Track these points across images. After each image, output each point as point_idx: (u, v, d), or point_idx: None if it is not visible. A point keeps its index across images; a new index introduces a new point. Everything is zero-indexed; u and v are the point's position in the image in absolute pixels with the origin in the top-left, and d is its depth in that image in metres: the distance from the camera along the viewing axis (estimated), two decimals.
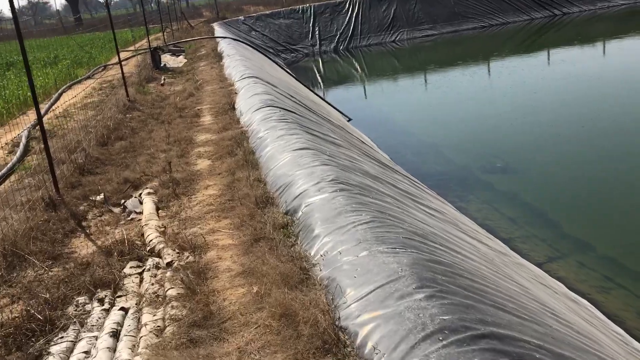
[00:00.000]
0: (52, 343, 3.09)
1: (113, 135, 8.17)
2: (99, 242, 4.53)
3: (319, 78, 23.54)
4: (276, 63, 19.65)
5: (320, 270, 3.37)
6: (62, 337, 3.10)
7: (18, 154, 7.33)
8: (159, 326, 3.08)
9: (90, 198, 5.56)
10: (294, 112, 8.25)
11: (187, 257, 3.94)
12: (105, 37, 25.86)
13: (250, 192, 4.96)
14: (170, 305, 3.27)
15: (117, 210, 5.30)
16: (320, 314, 2.80)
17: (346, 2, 30.34)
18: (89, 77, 15.48)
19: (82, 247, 4.48)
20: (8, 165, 6.73)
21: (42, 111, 10.19)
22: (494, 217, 8.36)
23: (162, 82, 13.88)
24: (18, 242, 4.28)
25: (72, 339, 3.11)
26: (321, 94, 17.75)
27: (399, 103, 17.29)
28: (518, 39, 26.61)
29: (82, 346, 3.05)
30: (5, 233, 4.40)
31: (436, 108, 15.59)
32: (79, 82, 14.53)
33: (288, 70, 18.81)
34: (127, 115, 9.75)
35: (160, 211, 5.15)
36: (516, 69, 19.43)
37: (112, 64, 17.12)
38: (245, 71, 12.00)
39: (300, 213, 4.28)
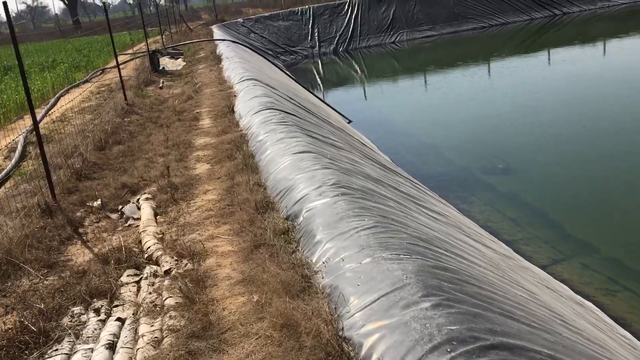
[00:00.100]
0: (46, 356, 2.99)
1: (111, 140, 8.07)
2: (96, 250, 4.43)
3: (318, 80, 23.46)
4: (275, 65, 19.58)
5: (323, 277, 3.28)
6: (56, 350, 3.00)
7: (14, 159, 7.23)
8: (156, 337, 2.98)
9: (87, 204, 5.46)
10: (294, 115, 8.16)
11: (186, 264, 3.84)
12: (104, 41, 25.80)
13: (250, 196, 4.86)
14: (168, 315, 3.17)
15: (114, 216, 5.20)
16: (323, 324, 2.71)
17: (345, 4, 30.28)
18: (86, 81, 15.40)
19: (79, 255, 4.38)
20: (4, 171, 6.63)
21: (40, 116, 10.13)
22: (496, 219, 8.28)
23: (161, 85, 13.79)
24: (13, 250, 4.18)
25: (67, 352, 3.01)
26: (321, 96, 17.67)
27: (399, 104, 17.21)
28: (518, 39, 26.54)
29: (77, 359, 2.95)
30: (0, 241, 4.31)
31: (436, 109, 15.51)
32: (77, 86, 14.45)
33: (287, 72, 18.74)
34: (125, 119, 9.66)
35: (158, 217, 5.06)
36: (516, 69, 19.36)
37: (110, 68, 17.04)
38: (245, 73, 11.91)
39: (301, 218, 4.19)
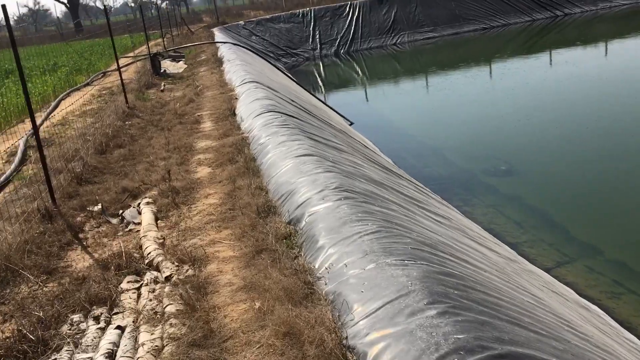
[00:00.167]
0: None
1: (112, 143, 8.03)
2: (96, 255, 4.38)
3: (320, 82, 23.42)
4: (277, 67, 19.54)
5: (326, 284, 3.22)
6: (54, 359, 2.95)
7: (15, 163, 7.19)
8: (156, 346, 2.93)
9: (88, 208, 5.41)
10: (296, 117, 8.11)
11: (187, 270, 3.78)
12: (105, 44, 25.76)
13: (251, 200, 4.81)
14: (169, 322, 3.11)
15: (115, 221, 5.15)
16: (326, 332, 2.65)
17: (346, 6, 30.24)
18: (88, 84, 15.37)
19: (79, 261, 4.33)
20: (4, 175, 6.59)
21: (40, 119, 10.08)
22: (499, 221, 8.23)
23: (162, 88, 13.76)
24: (12, 256, 4.13)
25: None
26: (322, 98, 17.63)
27: (400, 106, 17.16)
28: (520, 40, 26.48)
29: None
30: None
31: (438, 110, 15.46)
32: (78, 89, 14.41)
33: (289, 75, 18.69)
34: (127, 122, 9.62)
35: (159, 221, 5.01)
36: (518, 70, 19.30)
37: (111, 71, 17.01)
38: (246, 76, 11.87)
39: (303, 223, 4.13)
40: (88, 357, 2.95)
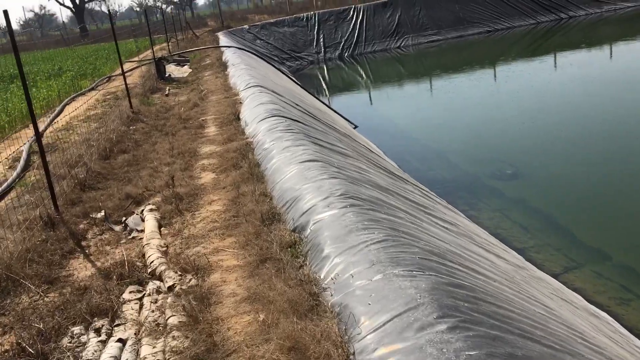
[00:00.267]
0: None
1: (116, 148, 7.98)
2: (99, 264, 4.32)
3: (324, 85, 23.38)
4: (281, 71, 19.50)
5: (332, 295, 3.14)
6: None
7: (18, 169, 7.15)
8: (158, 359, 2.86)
9: (91, 215, 5.36)
10: (300, 122, 8.04)
11: (190, 280, 3.71)
12: (110, 48, 25.80)
13: (255, 207, 4.74)
14: (171, 335, 3.04)
15: (118, 228, 5.09)
16: (332, 347, 2.57)
17: (350, 9, 30.21)
18: (92, 89, 15.36)
19: (81, 269, 4.27)
20: (7, 182, 6.54)
21: (44, 124, 10.06)
22: (506, 226, 8.15)
23: (167, 92, 13.73)
24: (13, 265, 4.07)
25: None
26: (326, 102, 17.57)
27: (405, 109, 17.08)
28: (524, 43, 26.37)
29: None
30: (0, 256, 4.20)
31: (443, 113, 15.38)
32: (83, 94, 14.40)
33: (293, 78, 18.65)
34: (131, 127, 9.58)
35: (162, 229, 4.94)
36: (523, 73, 19.20)
37: (116, 75, 17.00)
38: (250, 80, 11.82)
39: (308, 231, 4.06)
40: None
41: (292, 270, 3.51)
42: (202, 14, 62.98)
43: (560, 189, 9.03)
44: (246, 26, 30.82)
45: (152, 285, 3.72)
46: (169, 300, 3.45)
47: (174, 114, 10.52)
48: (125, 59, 21.94)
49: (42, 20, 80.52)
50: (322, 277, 3.40)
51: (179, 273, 3.82)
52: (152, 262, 4.06)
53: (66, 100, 13.21)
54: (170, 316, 3.23)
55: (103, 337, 3.16)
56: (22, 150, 7.94)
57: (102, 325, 3.26)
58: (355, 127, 13.91)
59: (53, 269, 4.21)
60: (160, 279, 3.84)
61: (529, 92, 15.92)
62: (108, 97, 13.52)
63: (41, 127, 9.81)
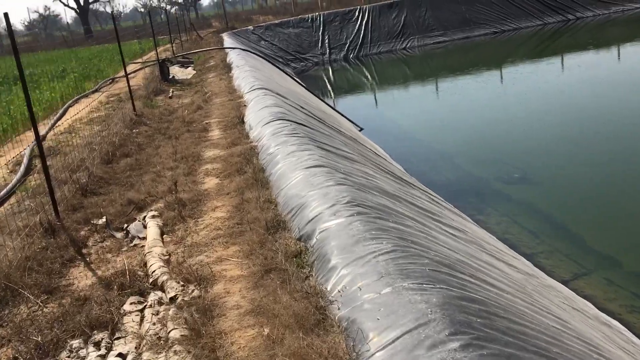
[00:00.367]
0: None
1: (118, 152, 7.89)
2: (99, 272, 4.22)
3: (329, 87, 23.28)
4: (286, 73, 19.40)
5: (339, 309, 3.03)
6: None
7: (19, 173, 7.06)
8: None
9: (92, 222, 5.26)
10: (306, 125, 7.94)
11: (193, 291, 3.61)
12: (114, 49, 25.76)
13: (260, 215, 4.63)
14: (172, 349, 2.94)
15: (119, 235, 4.99)
16: None
17: (356, 10, 30.10)
18: (96, 91, 15.30)
19: (81, 278, 4.17)
20: (8, 187, 6.45)
21: (47, 127, 9.99)
22: (514, 231, 8.03)
23: (170, 94, 13.65)
24: (12, 274, 3.97)
25: None
26: (331, 103, 17.47)
27: (410, 111, 16.97)
28: (531, 44, 26.20)
29: None
30: None
31: (449, 115, 15.26)
32: (86, 96, 14.34)
33: (298, 80, 18.55)
34: (134, 130, 9.49)
35: (165, 236, 4.84)
36: (530, 74, 19.05)
37: (120, 77, 16.94)
38: (255, 82, 11.72)
39: (314, 240, 3.95)
40: None
41: (297, 281, 3.40)
42: (207, 15, 62.96)
43: (568, 192, 8.91)
44: (251, 27, 30.77)
45: (153, 296, 3.62)
46: (170, 312, 3.35)
47: (178, 117, 10.44)
48: (129, 60, 21.89)
49: (47, 21, 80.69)
50: (328, 289, 3.29)
51: (182, 283, 3.71)
52: (154, 271, 3.96)
53: (69, 102, 13.15)
54: (172, 329, 3.12)
55: (102, 351, 3.06)
56: (24, 154, 7.85)
57: (102, 339, 3.15)
58: (361, 129, 13.80)
59: (53, 278, 4.11)
60: (162, 289, 3.73)
61: (536, 94, 15.77)
62: (111, 99, 13.45)
63: (44, 130, 9.74)
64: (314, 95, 16.22)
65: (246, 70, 14.22)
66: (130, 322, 3.34)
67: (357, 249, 3.51)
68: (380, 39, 29.45)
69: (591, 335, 3.81)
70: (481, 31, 29.43)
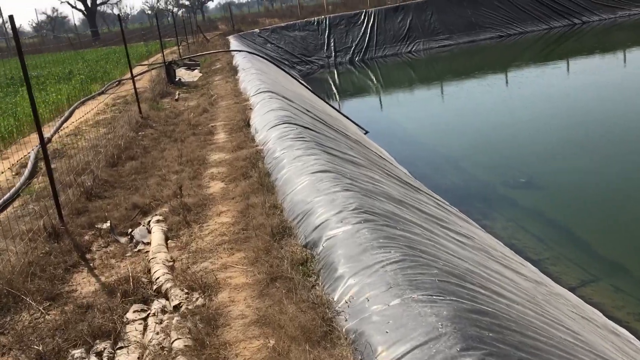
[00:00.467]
0: None
1: (124, 155, 7.85)
2: (103, 278, 4.17)
3: (334, 89, 23.25)
4: (291, 75, 19.37)
5: (346, 320, 2.96)
6: None
7: (24, 176, 7.03)
8: None
9: (96, 226, 5.21)
10: (312, 129, 7.88)
11: (197, 299, 3.55)
12: (121, 52, 25.83)
13: (265, 221, 4.57)
14: None
15: (123, 240, 4.94)
16: None
17: (361, 14, 30.08)
18: (102, 93, 15.30)
19: (84, 284, 4.12)
20: (12, 190, 6.41)
21: (53, 130, 9.97)
22: (520, 236, 7.96)
23: (176, 97, 13.62)
24: (14, 280, 3.93)
25: None
26: (337, 106, 17.43)
27: (416, 114, 16.91)
28: (537, 48, 26.10)
29: None
30: (0, 270, 4.05)
31: (454, 119, 15.19)
32: (92, 98, 14.34)
33: (303, 83, 18.52)
34: (140, 133, 9.45)
35: (169, 241, 4.79)
36: (536, 78, 18.95)
37: (126, 79, 16.94)
38: (261, 85, 11.68)
39: (320, 247, 3.88)
40: None
41: (303, 291, 3.34)
42: (213, 17, 63.08)
43: (574, 197, 8.84)
44: (257, 30, 30.80)
45: (157, 304, 3.56)
46: (174, 321, 3.29)
47: (184, 120, 10.40)
48: (136, 62, 21.93)
49: (55, 22, 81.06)
50: (335, 299, 3.22)
51: (186, 291, 3.65)
52: (158, 278, 3.90)
53: (75, 104, 13.14)
54: (176, 339, 3.06)
55: None
56: (29, 157, 7.82)
57: (104, 349, 3.10)
58: (366, 132, 13.75)
59: (56, 284, 4.06)
60: (166, 297, 3.68)
61: (542, 98, 15.69)
62: (118, 101, 13.44)
63: (49, 132, 9.72)
64: (320, 98, 16.17)
65: (252, 73, 14.18)
66: (133, 331, 3.29)
67: (364, 257, 3.45)
68: (386, 42, 29.41)
69: (603, 348, 3.73)
70: (487, 35, 29.34)
